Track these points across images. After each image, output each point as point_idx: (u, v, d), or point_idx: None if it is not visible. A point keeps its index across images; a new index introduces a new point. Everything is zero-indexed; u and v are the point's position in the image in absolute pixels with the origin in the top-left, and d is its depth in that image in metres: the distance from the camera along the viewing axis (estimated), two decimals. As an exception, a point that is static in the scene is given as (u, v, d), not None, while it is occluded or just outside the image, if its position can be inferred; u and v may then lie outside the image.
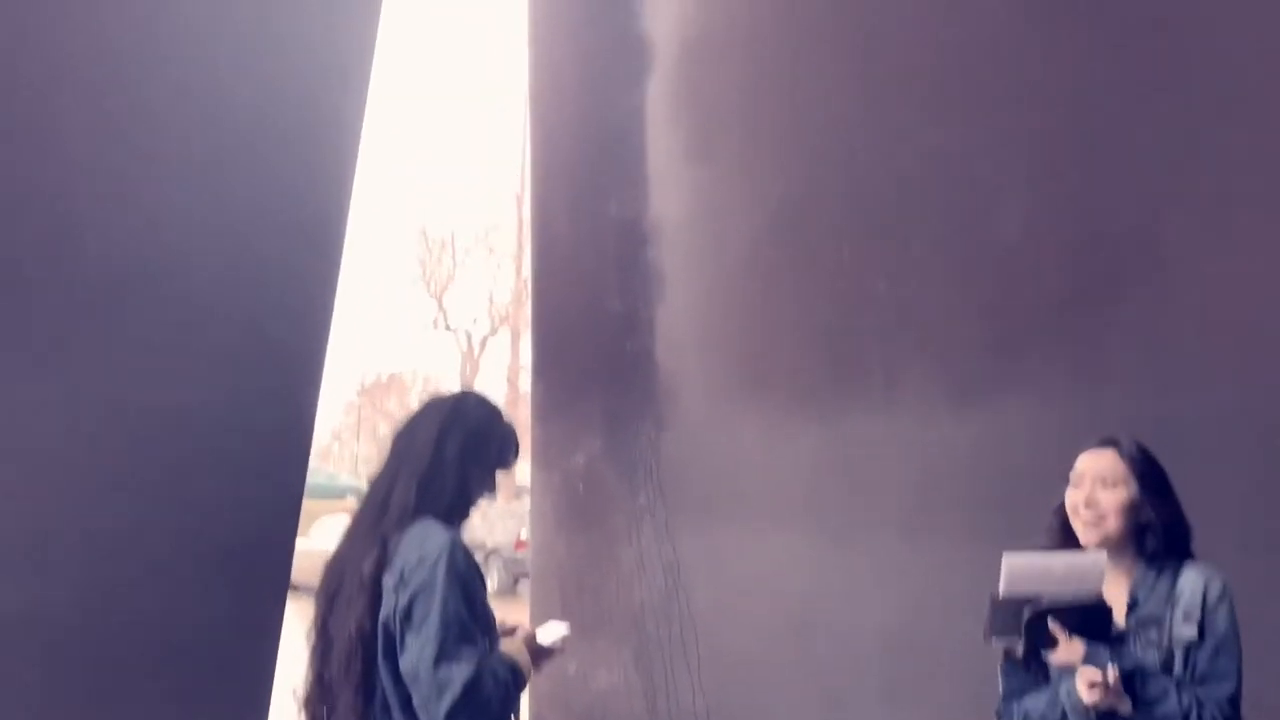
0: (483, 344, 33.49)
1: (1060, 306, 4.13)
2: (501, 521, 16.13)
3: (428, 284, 33.64)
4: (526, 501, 9.02)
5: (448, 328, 33.46)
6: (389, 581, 2.20)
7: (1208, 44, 3.85)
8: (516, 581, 15.41)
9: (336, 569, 2.32)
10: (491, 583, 2.37)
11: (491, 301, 34.01)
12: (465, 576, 2.17)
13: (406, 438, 2.36)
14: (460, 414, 2.36)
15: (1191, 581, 2.26)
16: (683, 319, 5.10)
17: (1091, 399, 3.79)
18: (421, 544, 2.20)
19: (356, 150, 4.71)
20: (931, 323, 4.36)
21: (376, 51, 4.75)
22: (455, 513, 2.31)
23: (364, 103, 4.73)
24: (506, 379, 30.90)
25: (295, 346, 4.29)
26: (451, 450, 2.30)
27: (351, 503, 21.82)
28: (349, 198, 4.73)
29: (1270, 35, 3.71)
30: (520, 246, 29.43)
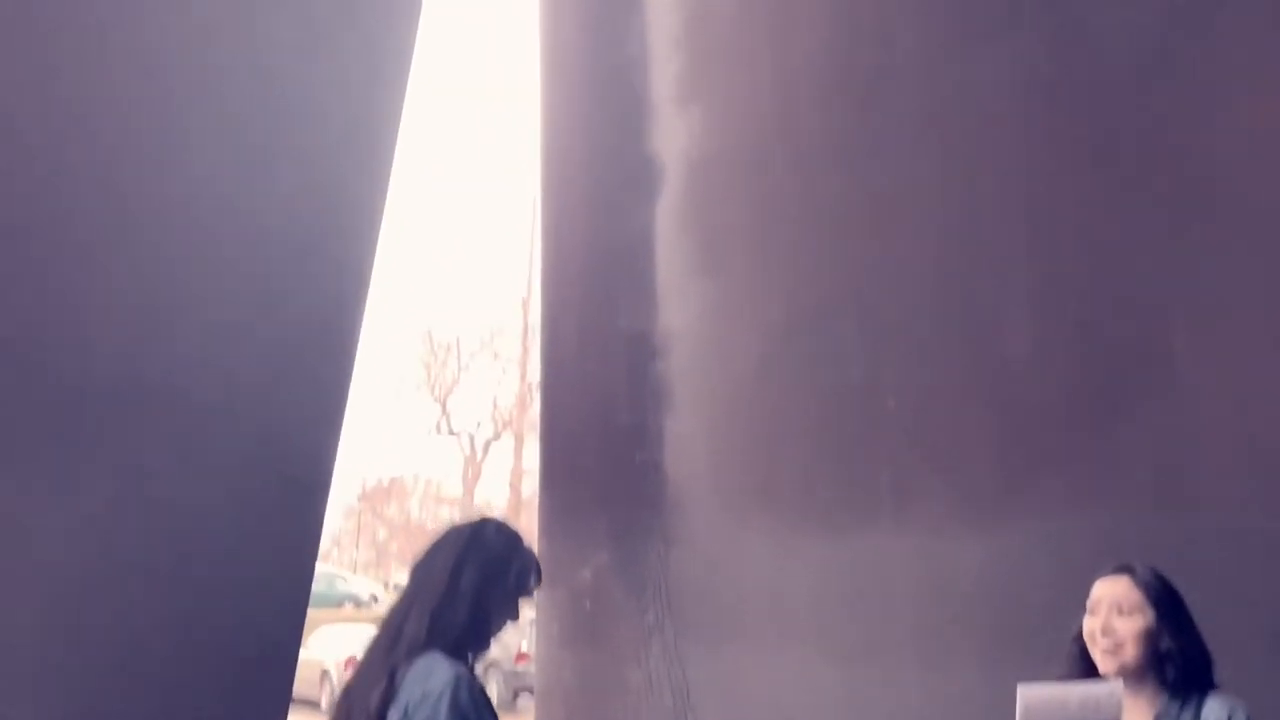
0: (485, 448, 33.41)
1: (1070, 424, 4.14)
2: (502, 633, 15.82)
3: (432, 388, 33.71)
4: (528, 612, 8.89)
5: (450, 432, 33.43)
6: (394, 716, 2.17)
7: (1209, 160, 3.94)
8: (516, 696, 15.06)
9: (346, 701, 2.29)
10: (490, 697, 2.34)
11: (495, 406, 34.03)
12: (468, 713, 2.14)
13: (424, 568, 2.34)
14: (478, 542, 2.35)
15: (1215, 713, 2.23)
16: (691, 432, 5.10)
17: (1105, 519, 3.77)
18: (426, 679, 2.17)
19: (373, 259, 4.78)
20: (941, 440, 4.36)
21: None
22: (469, 644, 2.28)
23: (382, 212, 4.82)
24: (509, 484, 30.72)
25: (305, 458, 4.30)
26: (468, 580, 2.28)
27: (350, 611, 21.52)
28: (363, 309, 4.79)
29: (1272, 149, 3.80)
30: (525, 350, 29.59)
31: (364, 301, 4.81)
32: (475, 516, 2.52)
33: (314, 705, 14.10)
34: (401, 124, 4.72)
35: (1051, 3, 4.40)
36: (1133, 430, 3.92)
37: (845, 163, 4.77)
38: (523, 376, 30.90)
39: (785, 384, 4.75)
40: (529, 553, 2.38)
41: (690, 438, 5.08)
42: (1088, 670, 2.34)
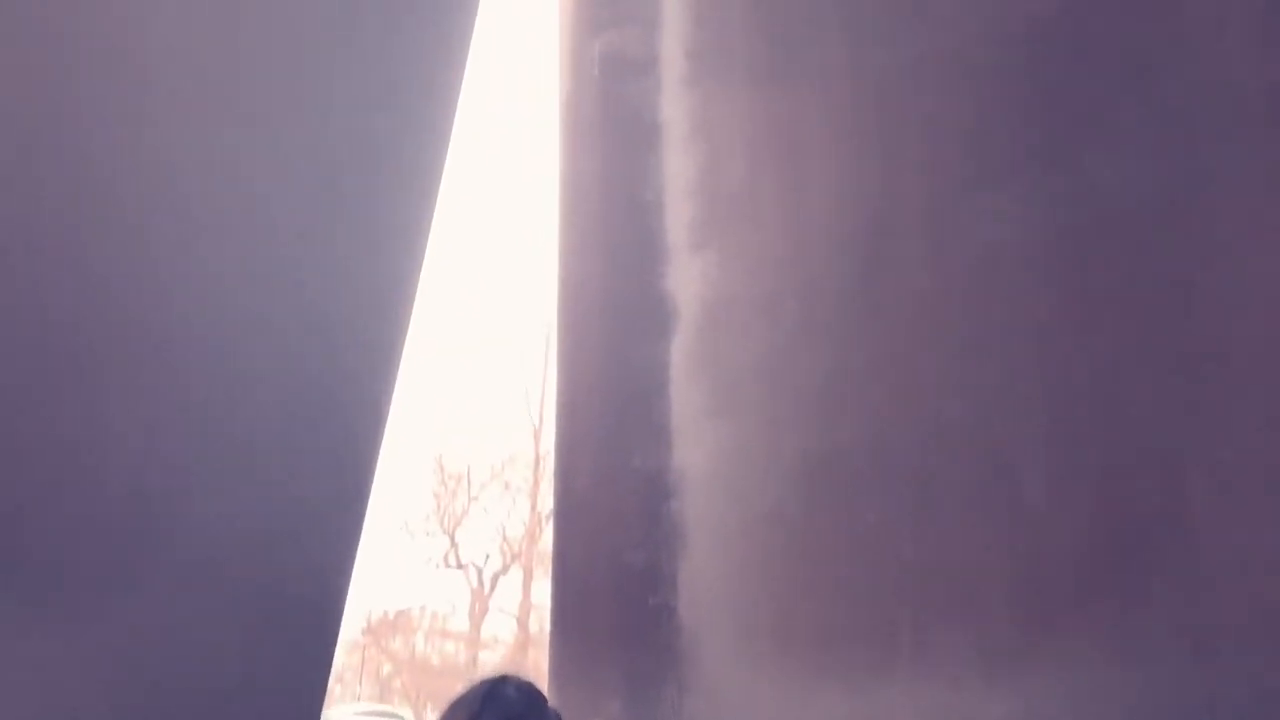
0: (493, 582, 32.94)
1: (1089, 575, 4.08)
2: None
3: (441, 519, 33.47)
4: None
5: (458, 564, 33.04)
6: None
7: (1222, 309, 3.99)
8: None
9: None
10: None
11: (504, 537, 33.71)
12: None
13: None
14: (495, 702, 2.32)
15: None
16: (706, 575, 5.06)
17: (1124, 674, 3.70)
18: None
19: (390, 402, 4.82)
20: (957, 587, 4.31)
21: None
22: None
23: (402, 349, 4.88)
24: (516, 619, 30.22)
25: (313, 603, 4.26)
26: None
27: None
28: (380, 447, 4.81)
29: None
30: (536, 480, 29.45)
31: (380, 440, 4.83)
32: (495, 674, 2.49)
33: None
34: (423, 273, 4.82)
35: (1055, 155, 4.53)
36: (1152, 583, 3.87)
37: (856, 309, 4.85)
38: (533, 506, 30.67)
39: (800, 528, 4.72)
40: (552, 714, 2.34)
41: (704, 581, 5.03)
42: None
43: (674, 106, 5.93)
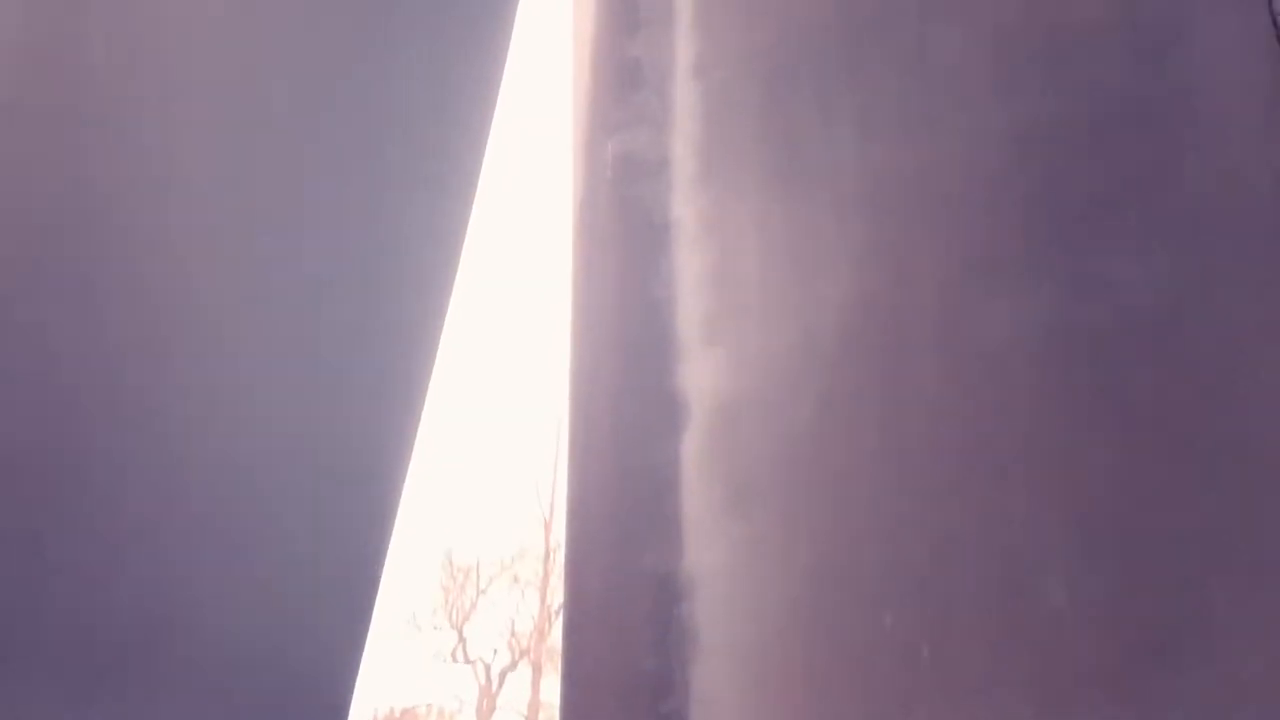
0: (501, 678, 32.42)
1: (1109, 675, 3.99)
2: None
3: (449, 613, 33.09)
4: None
5: (466, 660, 32.55)
6: None
7: (1240, 412, 3.95)
8: None
9: None
10: None
11: (513, 632, 33.28)
12: None
13: None
14: None
15: None
16: (719, 681, 4.94)
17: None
18: None
19: (399, 496, 4.78)
20: (976, 689, 4.20)
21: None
22: None
23: (410, 456, 4.86)
24: (524, 717, 29.68)
25: (320, 699, 4.18)
26: None
27: None
28: (388, 546, 4.76)
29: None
30: (546, 574, 29.12)
31: (390, 533, 4.79)
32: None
33: None
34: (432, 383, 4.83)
35: (1067, 254, 4.54)
36: (1174, 687, 3.78)
37: (869, 407, 4.82)
38: (543, 600, 30.40)
39: (816, 631, 4.63)
40: None
41: (717, 687, 4.91)
42: None
43: (685, 205, 5.98)
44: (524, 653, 32.12)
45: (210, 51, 4.04)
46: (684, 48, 6.02)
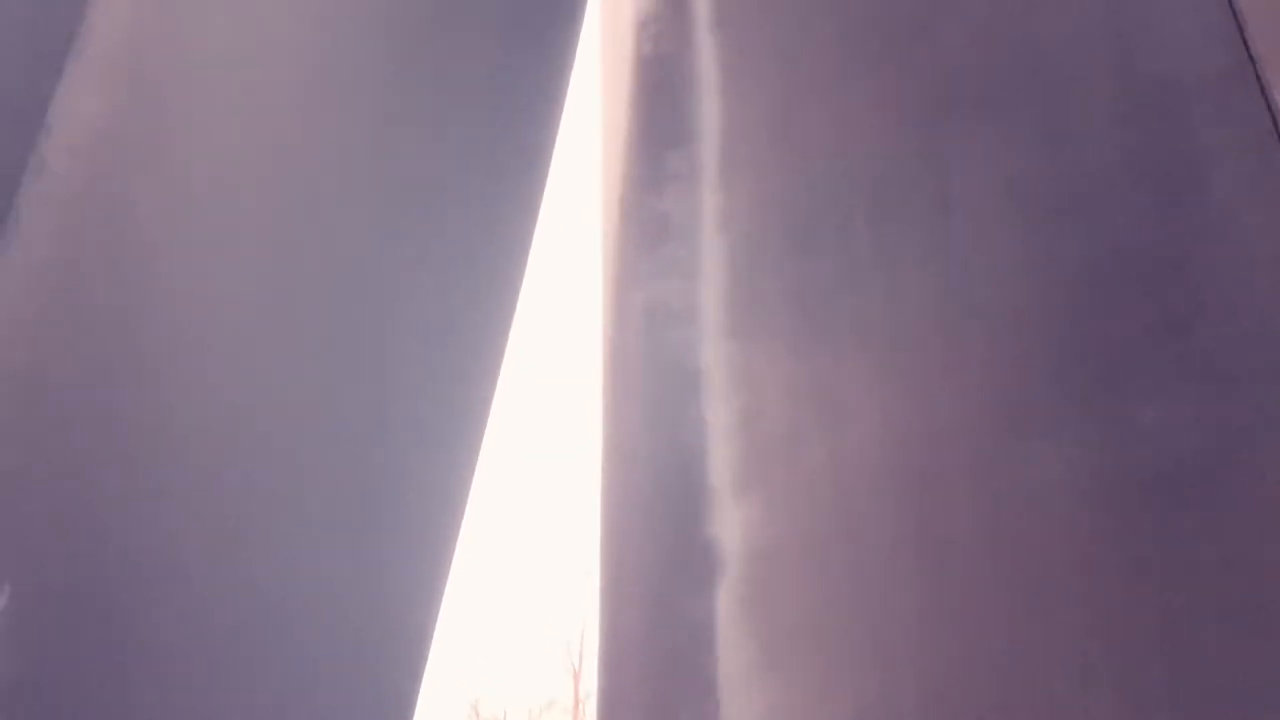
0: (531, 838, 31.20)
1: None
2: None
3: (478, 769, 32.09)
4: None
5: (495, 818, 31.40)
6: None
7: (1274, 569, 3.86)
8: None
9: None
10: None
11: (542, 790, 32.18)
12: None
13: None
14: None
15: None
16: None
17: None
18: None
19: (429, 647, 4.71)
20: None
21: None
22: None
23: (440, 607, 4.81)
24: None
25: None
26: None
27: None
28: (415, 704, 4.67)
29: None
30: (576, 727, 28.33)
31: (419, 685, 4.70)
32: None
33: None
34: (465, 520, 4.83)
35: (1098, 401, 4.52)
36: None
37: (904, 555, 4.74)
38: (573, 755, 29.45)
39: (858, 795, 4.45)
40: None
41: None
42: None
43: (714, 353, 6.03)
44: (554, 811, 30.98)
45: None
46: (710, 201, 6.17)
